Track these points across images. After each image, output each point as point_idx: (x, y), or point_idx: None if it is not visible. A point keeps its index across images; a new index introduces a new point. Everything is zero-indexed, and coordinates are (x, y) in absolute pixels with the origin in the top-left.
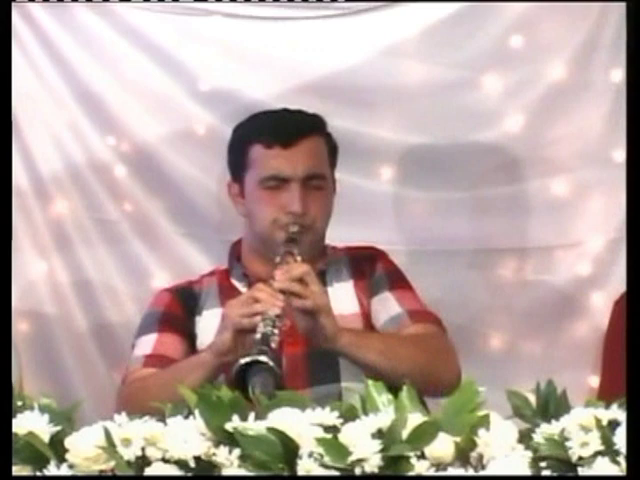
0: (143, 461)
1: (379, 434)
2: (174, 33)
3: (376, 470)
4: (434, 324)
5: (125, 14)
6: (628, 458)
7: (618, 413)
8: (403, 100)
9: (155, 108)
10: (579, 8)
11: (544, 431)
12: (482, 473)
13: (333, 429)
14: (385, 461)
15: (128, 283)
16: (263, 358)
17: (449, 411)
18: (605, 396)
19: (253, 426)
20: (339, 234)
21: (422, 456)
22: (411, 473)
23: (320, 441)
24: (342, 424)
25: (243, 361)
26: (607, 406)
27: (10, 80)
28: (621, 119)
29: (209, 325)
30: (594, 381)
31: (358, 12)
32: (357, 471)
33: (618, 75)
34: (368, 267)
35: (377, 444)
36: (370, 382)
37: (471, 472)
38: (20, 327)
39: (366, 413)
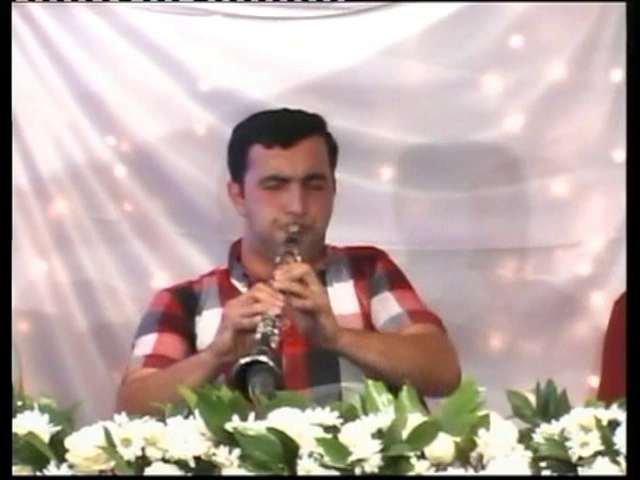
0: (143, 461)
1: (379, 434)
2: (174, 33)
3: (376, 470)
4: (434, 324)
5: (125, 14)
6: (628, 458)
7: (618, 413)
8: (403, 100)
9: (155, 108)
10: (579, 8)
11: (544, 431)
12: (482, 473)
13: (333, 429)
14: (385, 461)
15: (128, 283)
16: (263, 358)
17: (449, 411)
18: (605, 396)
19: (253, 426)
20: (339, 234)
21: (422, 456)
22: (411, 473)
23: (320, 441)
24: (342, 424)
25: (243, 361)
26: (607, 406)
27: (10, 80)
28: (621, 119)
29: (209, 325)
30: (594, 381)
31: (358, 12)
32: (357, 471)
33: (618, 75)
34: (368, 267)
35: (377, 444)
36: (370, 382)
37: (471, 472)
38: (20, 327)
39: (366, 413)
